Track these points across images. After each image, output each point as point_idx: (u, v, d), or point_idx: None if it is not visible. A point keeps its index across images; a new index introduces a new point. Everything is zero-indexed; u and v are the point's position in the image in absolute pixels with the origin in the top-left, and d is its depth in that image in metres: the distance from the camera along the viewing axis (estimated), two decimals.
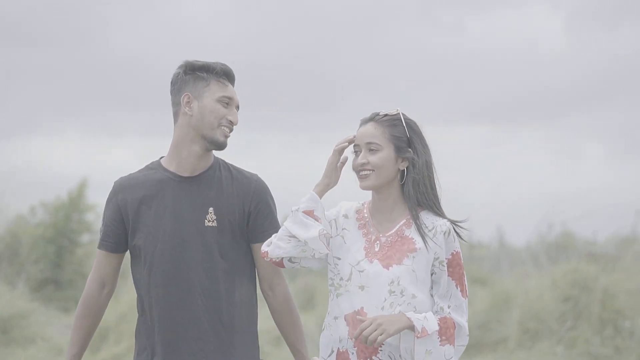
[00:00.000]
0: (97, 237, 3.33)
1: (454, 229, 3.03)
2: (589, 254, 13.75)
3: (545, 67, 24.68)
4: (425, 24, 24.24)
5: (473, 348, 10.40)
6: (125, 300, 9.11)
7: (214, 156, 3.24)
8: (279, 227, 3.12)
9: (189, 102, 3.14)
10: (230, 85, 3.18)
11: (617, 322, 9.82)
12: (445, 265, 2.98)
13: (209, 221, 3.12)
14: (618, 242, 15.63)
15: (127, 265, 3.29)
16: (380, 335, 2.83)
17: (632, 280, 10.19)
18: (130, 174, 3.24)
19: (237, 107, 3.19)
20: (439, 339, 2.90)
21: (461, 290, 2.99)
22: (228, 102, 3.15)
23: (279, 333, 3.34)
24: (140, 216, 3.15)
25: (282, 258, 3.00)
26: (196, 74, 3.15)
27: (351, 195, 3.17)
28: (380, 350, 2.92)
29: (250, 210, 3.16)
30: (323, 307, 13.23)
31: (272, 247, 3.01)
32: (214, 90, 3.14)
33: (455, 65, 23.51)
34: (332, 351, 2.99)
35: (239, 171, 3.24)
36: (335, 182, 3.08)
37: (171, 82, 3.22)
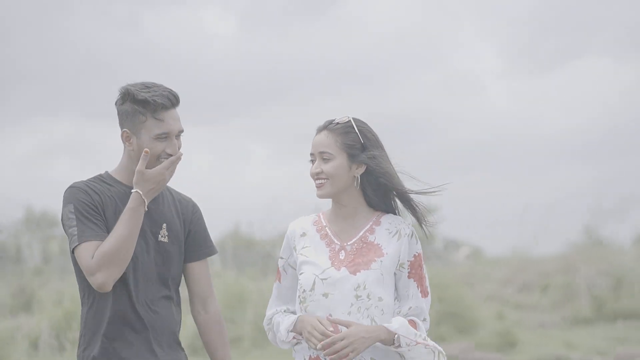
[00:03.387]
0: (75, 236, 3.10)
1: (416, 230, 3.13)
2: None
3: (216, 67, 25.16)
4: (98, 18, 23.69)
5: None
6: None
7: None
8: (213, 247, 3.33)
9: (128, 137, 3.16)
10: (168, 114, 3.14)
11: None
12: (407, 267, 3.07)
13: (162, 236, 3.22)
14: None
15: None
16: (351, 352, 2.94)
17: None
18: (84, 182, 3.18)
19: (179, 133, 3.17)
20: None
21: (421, 292, 3.09)
22: (165, 136, 3.14)
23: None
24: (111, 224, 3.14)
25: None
26: (134, 107, 3.13)
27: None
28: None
29: (189, 229, 3.30)
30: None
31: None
32: (150, 128, 3.13)
33: (128, 61, 23.20)
34: (305, 359, 3.08)
35: (178, 193, 3.36)
36: None
37: (115, 103, 3.21)
